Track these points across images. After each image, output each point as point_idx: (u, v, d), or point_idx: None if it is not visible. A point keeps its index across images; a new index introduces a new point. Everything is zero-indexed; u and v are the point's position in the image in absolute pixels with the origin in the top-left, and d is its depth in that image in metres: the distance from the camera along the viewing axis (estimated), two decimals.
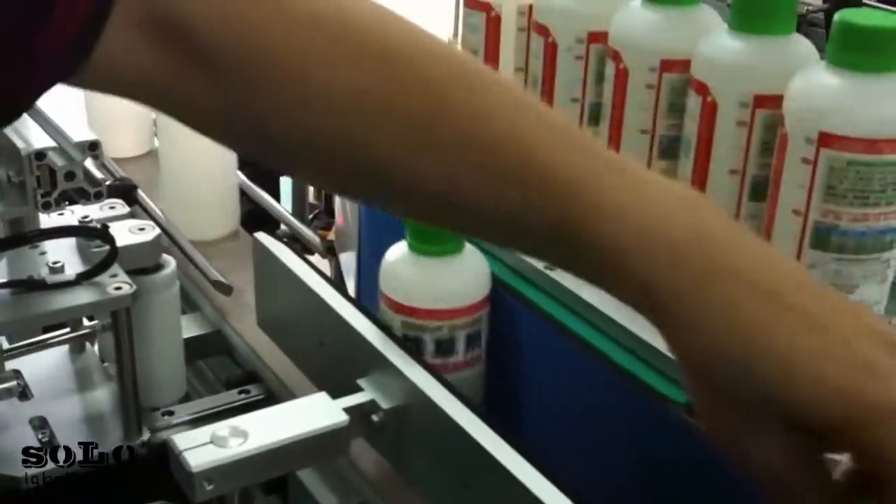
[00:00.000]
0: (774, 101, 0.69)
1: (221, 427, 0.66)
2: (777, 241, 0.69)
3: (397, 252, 0.82)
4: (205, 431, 0.66)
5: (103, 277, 0.76)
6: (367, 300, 1.00)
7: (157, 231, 0.83)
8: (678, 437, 0.69)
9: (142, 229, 0.82)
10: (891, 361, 0.43)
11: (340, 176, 0.56)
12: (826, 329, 0.44)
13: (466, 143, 0.51)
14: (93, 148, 0.71)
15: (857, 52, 0.64)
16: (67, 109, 0.78)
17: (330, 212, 1.71)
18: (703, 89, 0.73)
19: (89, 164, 0.69)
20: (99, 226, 0.76)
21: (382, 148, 0.51)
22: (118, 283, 0.76)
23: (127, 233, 0.82)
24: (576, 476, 0.63)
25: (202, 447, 0.65)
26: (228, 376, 0.99)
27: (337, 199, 1.25)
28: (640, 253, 0.47)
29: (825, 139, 0.64)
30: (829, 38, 0.66)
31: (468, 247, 0.82)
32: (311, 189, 1.73)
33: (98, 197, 0.70)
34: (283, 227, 1.38)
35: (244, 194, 1.37)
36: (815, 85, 0.66)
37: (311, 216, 1.67)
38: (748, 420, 0.45)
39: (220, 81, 0.51)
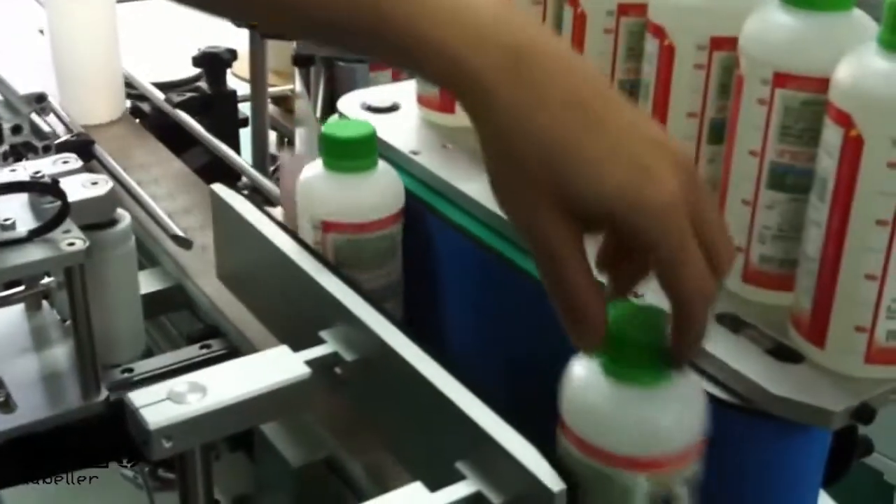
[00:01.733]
0: (731, 43, 0.68)
1: (179, 383, 0.65)
2: (734, 182, 0.69)
3: (313, 170, 0.84)
4: (162, 388, 0.65)
5: (56, 233, 0.75)
6: None
7: (111, 185, 0.82)
8: None
9: (95, 183, 0.81)
10: (661, 164, 0.51)
11: None
12: (616, 134, 0.52)
13: None
14: (40, 100, 0.69)
15: None
16: (36, 75, 0.78)
17: None
18: (660, 32, 0.72)
19: (37, 118, 0.67)
20: (49, 181, 0.74)
21: None
22: (71, 238, 0.74)
23: (80, 187, 0.80)
24: (492, 383, 0.66)
25: (159, 404, 0.64)
26: (190, 331, 0.98)
27: (297, 149, 1.23)
28: (459, 42, 0.52)
29: (780, 79, 0.64)
30: None
31: (381, 163, 0.84)
32: (272, 140, 1.71)
33: (47, 151, 0.68)
34: (243, 179, 1.37)
35: (203, 146, 1.36)
36: (769, 25, 0.65)
37: (272, 168, 1.66)
38: (539, 199, 0.52)
39: None
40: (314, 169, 0.84)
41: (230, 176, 1.39)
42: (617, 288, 0.58)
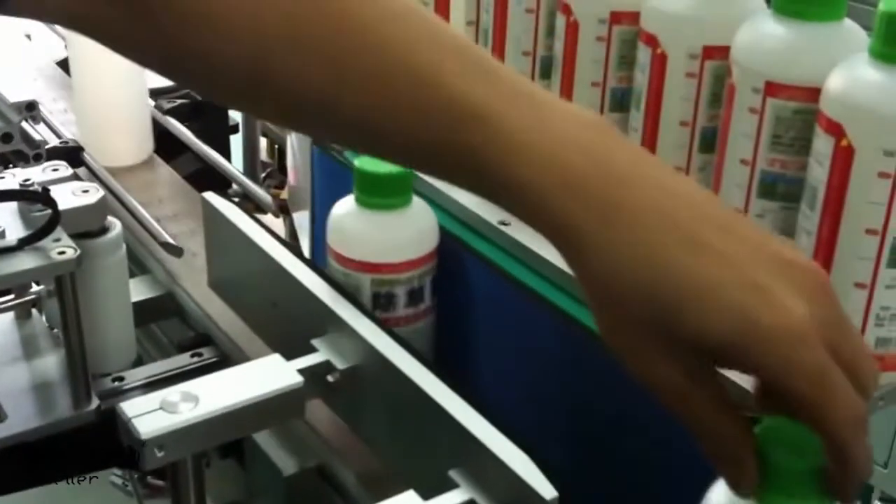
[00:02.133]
0: (723, 52, 0.68)
1: (172, 392, 0.65)
2: (725, 191, 0.69)
3: (345, 206, 0.82)
4: (154, 397, 0.65)
5: (46, 242, 0.74)
6: (321, 260, 0.99)
7: (102, 193, 0.81)
8: (624, 384, 0.70)
9: (86, 191, 0.81)
10: (785, 286, 0.46)
11: (253, 102, 0.57)
12: (725, 258, 0.46)
13: (377, 73, 0.51)
14: (30, 108, 0.69)
15: (802, 0, 0.64)
16: (25, 82, 0.77)
17: (282, 170, 1.69)
18: (652, 41, 0.72)
19: (28, 126, 0.67)
20: (39, 189, 0.74)
21: (293, 75, 0.52)
22: (61, 247, 0.74)
23: (70, 195, 0.80)
24: (525, 426, 0.63)
25: (152, 413, 0.64)
26: (181, 339, 0.98)
27: (289, 157, 1.23)
28: (546, 183, 0.48)
29: (771, 88, 0.64)
30: None
31: (416, 199, 0.81)
32: (263, 147, 1.71)
33: (37, 159, 0.68)
34: (234, 186, 1.37)
35: (193, 153, 1.35)
36: (760, 34, 0.65)
37: (263, 175, 1.65)
38: (649, 341, 0.47)
39: (130, 6, 0.52)
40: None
41: (220, 183, 1.39)
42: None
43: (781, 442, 0.48)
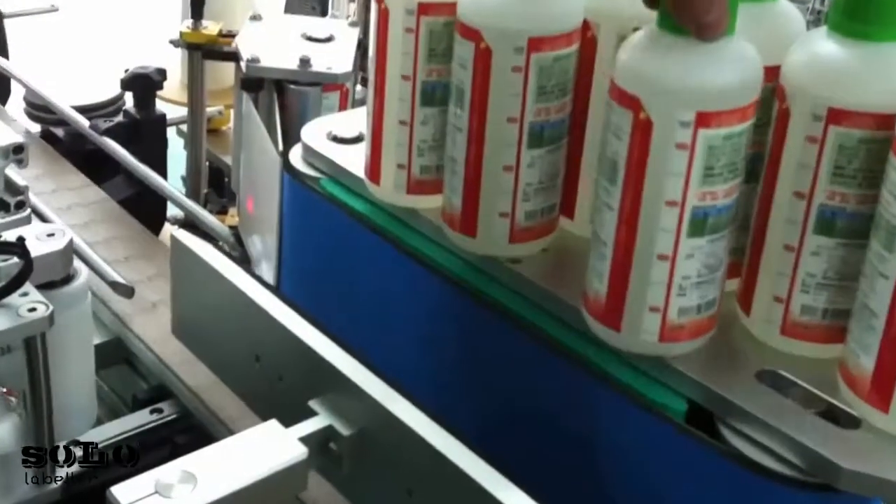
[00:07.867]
0: (770, 73, 0.62)
1: (167, 473, 0.57)
2: (774, 226, 0.63)
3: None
4: (149, 479, 0.57)
5: (13, 297, 0.64)
6: (291, 293, 0.90)
7: (69, 237, 0.71)
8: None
9: (51, 235, 0.70)
10: None
11: None
12: None
13: None
14: (17, 151, 0.59)
15: (866, 20, 0.58)
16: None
17: (220, 192, 1.60)
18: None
19: (12, 172, 0.57)
20: (14, 239, 0.63)
21: None
22: (31, 303, 0.64)
23: (35, 241, 0.69)
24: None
25: (147, 499, 0.56)
26: (135, 392, 0.88)
27: (241, 184, 1.14)
28: None
29: (835, 115, 0.58)
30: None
31: None
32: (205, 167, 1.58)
33: (20, 207, 0.58)
34: (170, 210, 1.28)
35: (128, 176, 1.26)
36: (820, 56, 0.60)
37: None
38: None
39: None
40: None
41: (157, 208, 1.29)
42: None
43: None
